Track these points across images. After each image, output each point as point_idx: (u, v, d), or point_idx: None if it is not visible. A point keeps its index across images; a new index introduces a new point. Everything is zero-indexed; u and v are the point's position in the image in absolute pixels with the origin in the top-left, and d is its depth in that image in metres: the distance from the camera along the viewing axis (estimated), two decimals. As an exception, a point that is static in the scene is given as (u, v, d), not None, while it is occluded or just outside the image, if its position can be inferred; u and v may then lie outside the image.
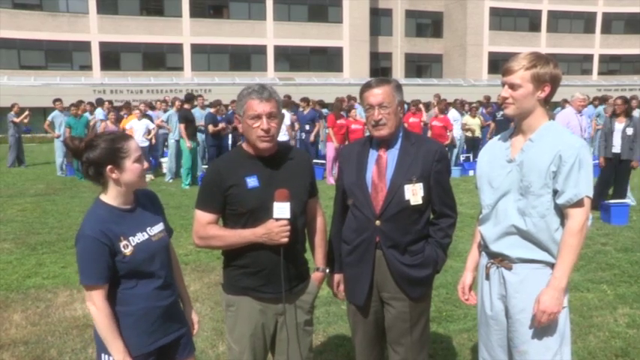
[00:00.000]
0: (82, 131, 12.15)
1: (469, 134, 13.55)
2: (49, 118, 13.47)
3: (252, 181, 2.40)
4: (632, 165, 8.15)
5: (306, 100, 13.68)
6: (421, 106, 12.95)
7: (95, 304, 2.09)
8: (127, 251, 2.12)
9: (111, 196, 2.18)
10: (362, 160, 2.63)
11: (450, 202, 2.65)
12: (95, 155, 2.11)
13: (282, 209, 2.32)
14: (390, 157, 2.59)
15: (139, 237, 2.18)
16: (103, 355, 2.18)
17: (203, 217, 2.45)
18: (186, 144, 11.05)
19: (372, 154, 2.63)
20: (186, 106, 11.64)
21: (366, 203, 2.56)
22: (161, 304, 2.22)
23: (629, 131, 8.14)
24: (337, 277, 2.76)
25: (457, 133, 13.39)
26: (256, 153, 2.45)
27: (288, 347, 2.53)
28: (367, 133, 2.71)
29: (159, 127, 12.77)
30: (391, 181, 2.54)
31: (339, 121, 11.27)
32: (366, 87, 2.57)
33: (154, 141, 12.74)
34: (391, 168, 2.56)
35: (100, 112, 14.09)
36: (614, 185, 8.42)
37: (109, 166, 2.12)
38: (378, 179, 2.56)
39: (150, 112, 13.31)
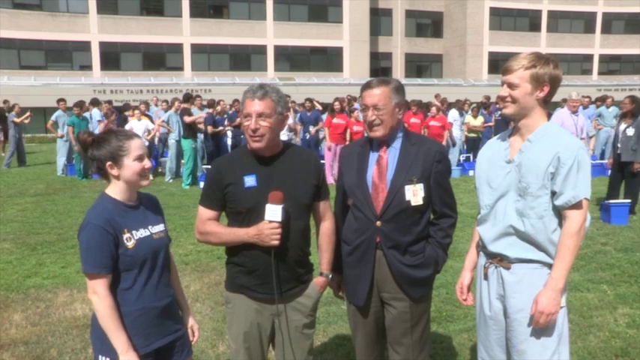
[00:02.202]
0: None
1: (472, 134, 13.52)
2: (53, 117, 13.37)
3: (250, 181, 2.40)
4: (635, 167, 7.85)
5: (310, 100, 13.73)
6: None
7: (97, 294, 2.08)
8: (130, 244, 2.14)
9: (115, 191, 2.22)
10: (362, 160, 2.63)
11: (451, 203, 2.65)
12: (98, 151, 2.18)
13: (273, 212, 2.32)
14: (391, 157, 2.59)
15: (142, 232, 2.21)
16: (100, 357, 2.15)
17: (204, 213, 2.50)
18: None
19: (373, 155, 2.62)
20: (184, 105, 11.66)
21: (366, 204, 2.56)
22: (157, 305, 2.22)
23: (630, 132, 7.95)
24: (337, 277, 2.76)
25: (457, 133, 13.38)
26: (258, 152, 2.45)
27: (284, 349, 2.53)
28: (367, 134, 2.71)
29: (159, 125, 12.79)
30: (392, 182, 2.54)
31: (334, 121, 11.33)
32: (366, 87, 2.57)
33: (153, 139, 12.75)
34: (392, 168, 2.56)
35: (96, 113, 14.08)
36: (624, 187, 8.19)
37: (108, 163, 2.17)
38: (379, 180, 2.56)
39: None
